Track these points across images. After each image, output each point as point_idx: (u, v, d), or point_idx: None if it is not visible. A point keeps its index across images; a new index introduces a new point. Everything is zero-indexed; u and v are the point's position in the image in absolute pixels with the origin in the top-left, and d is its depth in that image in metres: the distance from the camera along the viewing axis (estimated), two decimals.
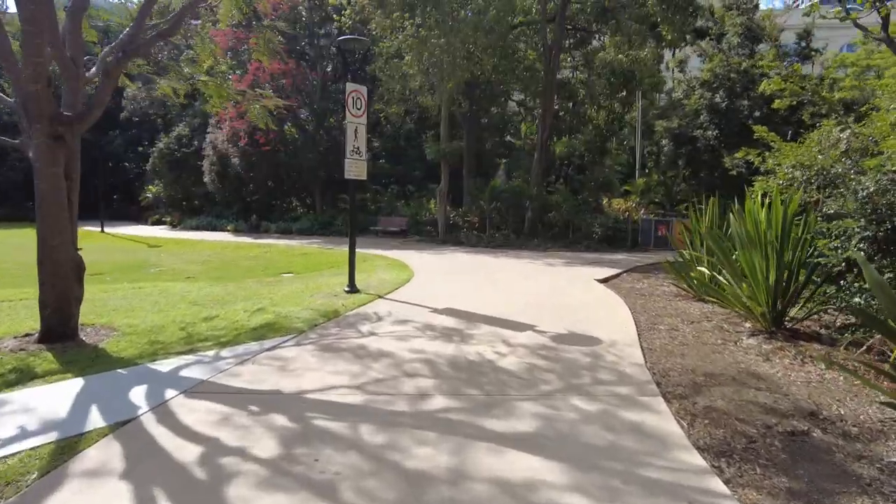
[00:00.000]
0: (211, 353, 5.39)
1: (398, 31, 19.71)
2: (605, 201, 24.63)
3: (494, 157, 31.39)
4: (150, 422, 3.72)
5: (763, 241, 6.33)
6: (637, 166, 38.36)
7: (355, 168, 8.61)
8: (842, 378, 4.75)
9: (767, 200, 6.77)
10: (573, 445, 3.37)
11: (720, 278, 7.26)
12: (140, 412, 3.86)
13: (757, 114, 16.09)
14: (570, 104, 25.47)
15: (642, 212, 22.65)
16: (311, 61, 27.48)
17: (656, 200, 26.83)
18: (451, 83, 18.66)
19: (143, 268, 14.89)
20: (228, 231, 26.89)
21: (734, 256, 6.92)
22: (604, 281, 10.78)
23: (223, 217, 28.70)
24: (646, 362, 5.20)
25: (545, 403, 4.03)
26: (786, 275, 6.25)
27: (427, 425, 3.64)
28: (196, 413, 3.85)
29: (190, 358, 5.21)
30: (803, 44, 20.77)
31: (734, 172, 11.09)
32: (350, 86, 8.40)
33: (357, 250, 17.22)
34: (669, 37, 20.44)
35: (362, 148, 8.67)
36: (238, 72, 24.32)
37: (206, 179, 27.96)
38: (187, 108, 34.28)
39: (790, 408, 4.02)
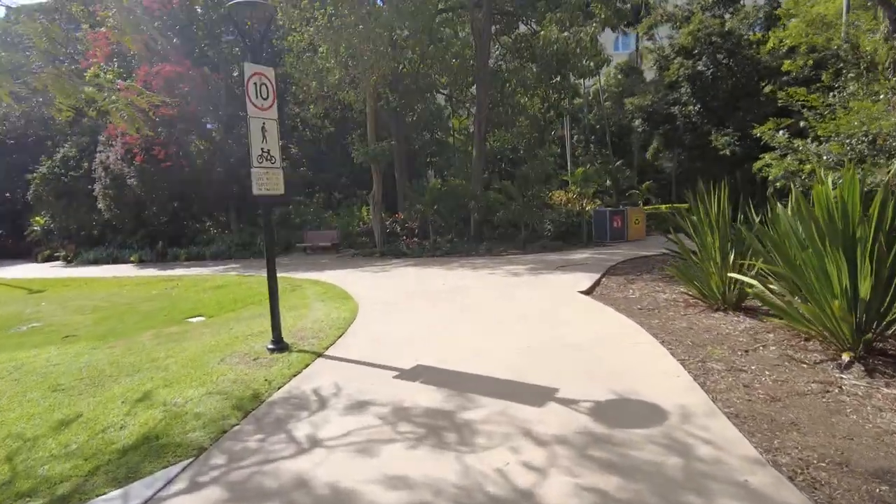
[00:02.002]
0: None
1: (309, 21, 17.26)
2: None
3: (425, 157, 29.43)
4: None
5: (848, 238, 4.61)
6: (568, 156, 37.56)
7: (268, 180, 6.28)
8: None
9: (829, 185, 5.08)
10: None
11: (774, 292, 5.54)
12: None
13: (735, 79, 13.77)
14: (499, 95, 23.83)
15: (584, 202, 21.29)
16: (214, 65, 24.34)
17: (598, 189, 25.69)
18: (374, 76, 16.43)
19: (11, 325, 11.73)
20: (132, 262, 23.39)
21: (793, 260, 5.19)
22: (588, 292, 8.98)
23: (126, 247, 25.01)
24: (759, 451, 3.29)
25: None
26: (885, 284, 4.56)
27: None
28: None
29: None
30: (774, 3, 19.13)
31: (726, 152, 9.51)
32: (250, 67, 6.05)
33: (283, 274, 14.72)
34: (603, 15, 19.12)
35: (275, 152, 6.35)
36: (128, 80, 21.02)
37: (100, 206, 24.19)
38: (73, 126, 29.99)
39: None
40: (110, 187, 22.95)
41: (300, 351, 6.22)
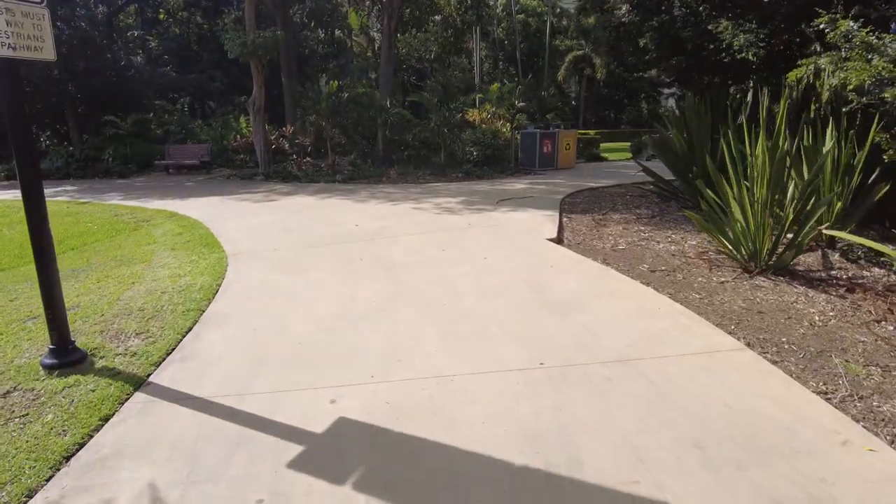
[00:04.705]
0: None
1: None
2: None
3: (318, 62, 25.26)
4: None
5: None
6: (476, 72, 34.56)
7: (16, 27, 3.02)
8: None
9: None
10: None
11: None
12: None
13: None
14: None
15: (499, 124, 18.78)
16: None
17: (515, 110, 23.24)
18: None
19: None
20: None
21: None
22: (558, 240, 6.60)
23: None
24: None
25: None
26: None
27: None
28: None
29: None
30: None
31: (747, 55, 7.08)
32: None
33: (130, 203, 11.08)
34: None
35: None
36: None
37: None
38: None
39: None
40: None
41: (105, 370, 3.26)
